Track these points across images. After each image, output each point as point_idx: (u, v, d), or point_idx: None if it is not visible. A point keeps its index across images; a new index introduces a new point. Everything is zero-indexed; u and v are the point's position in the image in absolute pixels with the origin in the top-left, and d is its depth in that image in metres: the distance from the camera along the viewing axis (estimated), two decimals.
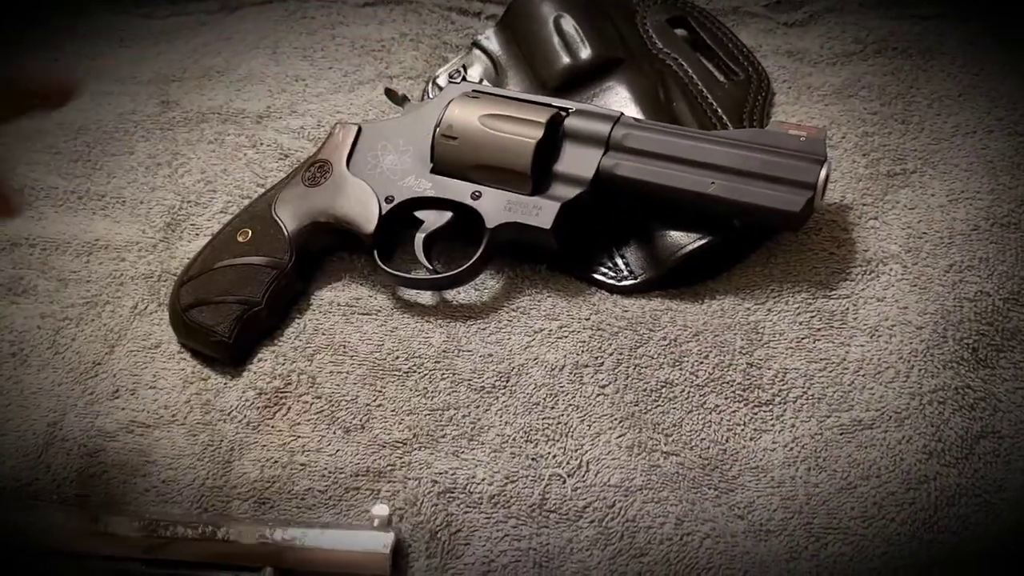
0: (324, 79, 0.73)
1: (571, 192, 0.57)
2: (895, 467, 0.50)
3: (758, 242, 0.59)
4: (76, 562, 0.49)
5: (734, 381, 0.54)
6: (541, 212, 0.56)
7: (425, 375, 0.56)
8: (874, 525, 0.48)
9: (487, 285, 0.60)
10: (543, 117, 0.57)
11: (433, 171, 0.59)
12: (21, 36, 0.82)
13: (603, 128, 0.57)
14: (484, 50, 0.69)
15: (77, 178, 0.69)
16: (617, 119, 0.58)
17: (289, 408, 0.56)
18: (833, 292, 0.57)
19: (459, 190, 0.58)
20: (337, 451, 0.54)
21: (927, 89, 0.66)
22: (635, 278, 0.59)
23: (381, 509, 0.50)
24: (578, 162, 0.57)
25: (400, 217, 0.59)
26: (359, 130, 0.62)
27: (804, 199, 0.53)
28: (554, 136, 0.58)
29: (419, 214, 0.59)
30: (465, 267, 0.57)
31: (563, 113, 0.58)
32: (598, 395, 0.54)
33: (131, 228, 0.65)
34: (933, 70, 0.67)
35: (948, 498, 0.49)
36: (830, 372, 0.54)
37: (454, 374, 0.56)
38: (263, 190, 0.65)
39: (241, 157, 0.68)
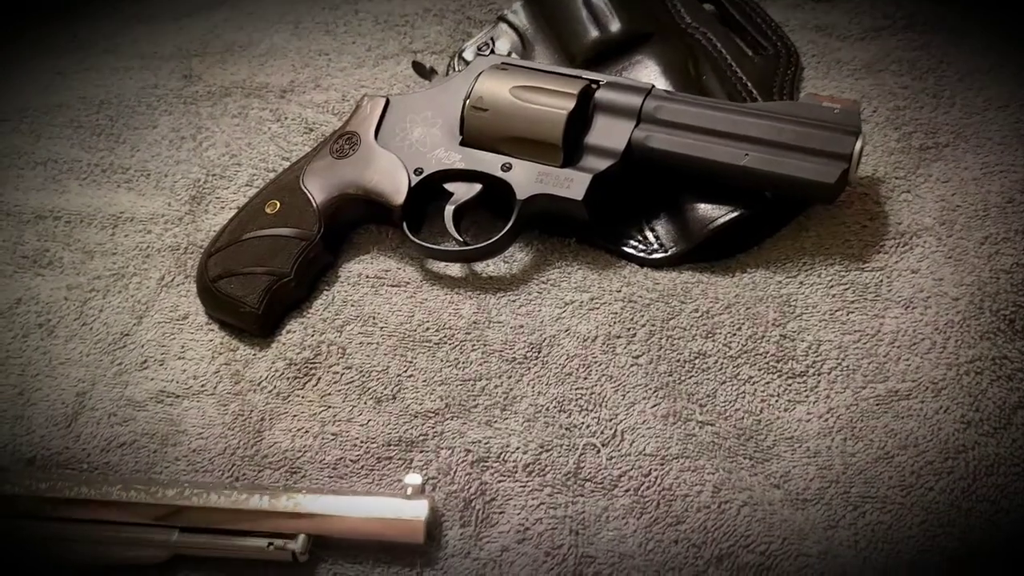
0: (347, 54, 0.73)
1: (602, 164, 0.56)
2: (933, 437, 0.49)
3: (789, 215, 0.59)
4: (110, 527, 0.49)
5: (767, 353, 0.54)
6: (572, 184, 0.56)
7: (456, 346, 0.56)
8: (912, 494, 0.48)
9: (516, 257, 0.60)
10: (575, 88, 0.57)
11: (463, 143, 0.58)
12: (39, 15, 0.82)
13: (635, 100, 0.57)
14: (511, 24, 0.69)
15: (100, 151, 0.68)
16: (649, 91, 0.57)
17: (319, 379, 0.55)
18: (866, 264, 0.56)
19: (489, 162, 0.58)
20: (368, 421, 0.53)
21: (958, 63, 0.66)
22: (665, 251, 0.59)
23: (414, 478, 0.50)
24: (610, 134, 0.57)
25: (429, 189, 0.59)
26: (387, 102, 0.61)
27: (839, 170, 0.53)
28: (585, 108, 0.57)
29: (448, 186, 0.59)
30: (495, 239, 0.57)
31: (594, 85, 0.58)
32: (631, 366, 0.54)
33: (156, 201, 0.65)
34: (963, 45, 0.67)
35: (986, 468, 0.48)
36: (864, 344, 0.53)
37: (485, 345, 0.56)
38: (288, 164, 0.65)
39: (265, 131, 0.68)
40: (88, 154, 0.68)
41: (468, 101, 0.58)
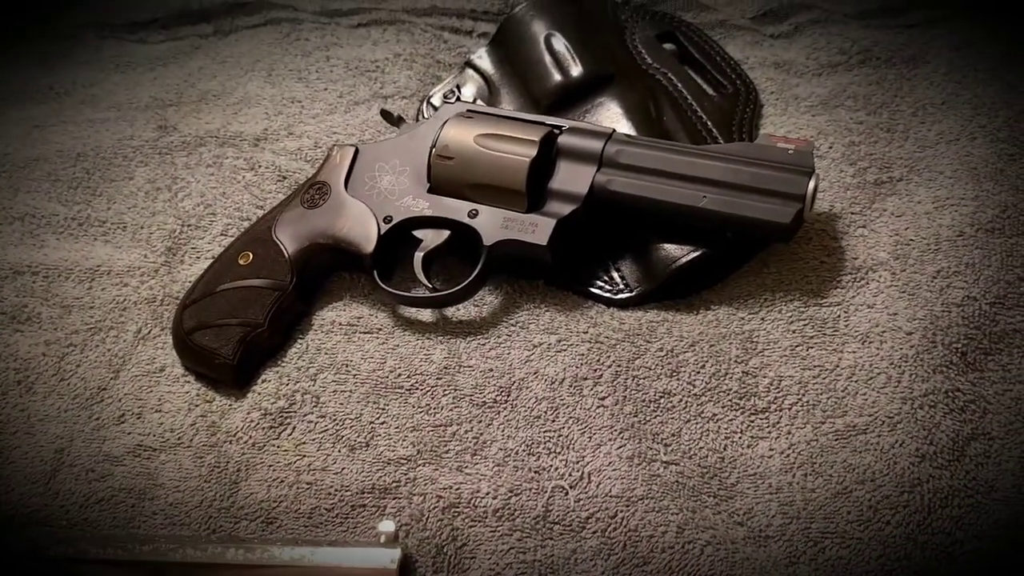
0: (320, 100, 0.74)
1: (566, 208, 0.58)
2: (889, 471, 0.51)
3: (751, 253, 0.60)
4: None
5: (730, 390, 0.55)
6: (537, 229, 0.57)
7: (427, 391, 0.57)
8: (870, 528, 0.49)
9: (486, 301, 0.61)
10: (537, 136, 0.58)
11: (430, 191, 0.60)
12: (17, 65, 0.83)
13: (596, 145, 0.58)
14: (477, 69, 0.71)
15: (77, 204, 0.70)
16: (609, 136, 0.59)
17: (294, 428, 0.57)
18: (824, 300, 0.58)
19: (456, 209, 0.59)
20: (343, 469, 0.55)
21: (911, 98, 0.67)
22: (631, 291, 0.60)
23: (387, 525, 0.51)
24: (572, 179, 0.58)
25: (399, 236, 0.60)
26: (356, 151, 0.63)
27: (794, 211, 0.54)
28: (548, 154, 0.59)
29: (417, 233, 0.60)
30: (464, 284, 0.58)
31: (556, 131, 0.60)
32: (598, 407, 0.55)
33: (132, 253, 0.66)
34: (916, 79, 0.69)
35: (941, 500, 0.50)
36: (824, 379, 0.55)
37: (456, 390, 0.57)
38: (262, 212, 0.66)
39: (240, 180, 0.69)
40: (65, 208, 0.69)
41: (434, 150, 0.60)
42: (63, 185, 0.71)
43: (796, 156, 0.56)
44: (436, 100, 0.71)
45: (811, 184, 0.55)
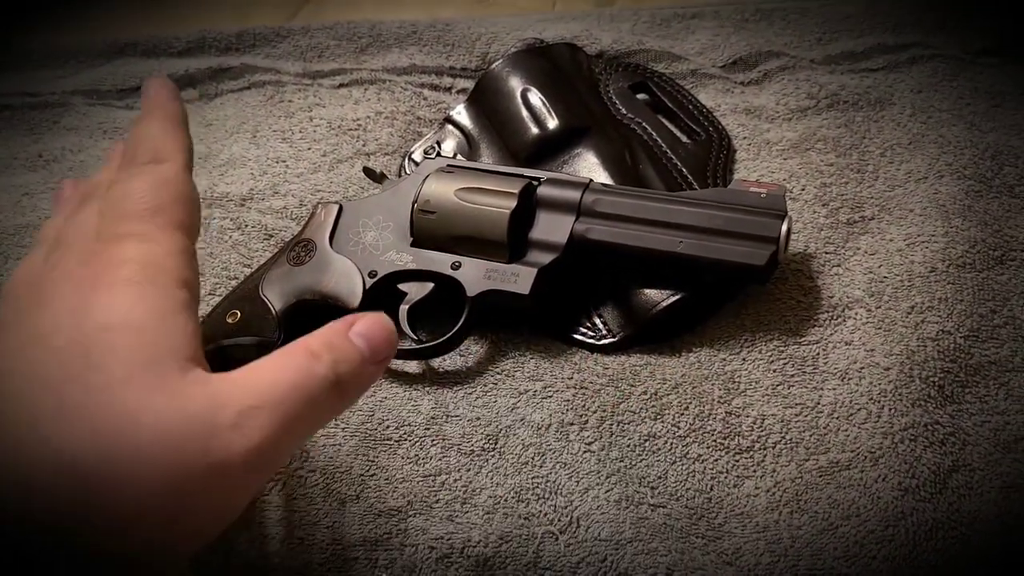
0: (304, 159, 0.76)
1: (547, 258, 0.59)
2: (873, 505, 0.52)
3: (729, 295, 0.62)
4: None
5: (714, 430, 0.56)
6: (519, 279, 0.59)
7: (415, 442, 0.58)
8: (857, 564, 0.50)
9: (471, 350, 0.62)
10: (516, 188, 0.60)
11: (413, 244, 0.61)
12: (5, 133, 0.85)
13: (574, 195, 0.60)
14: (456, 125, 0.72)
15: None
16: (586, 186, 0.60)
17: (284, 483, 0.57)
18: (803, 338, 0.59)
19: (439, 261, 0.60)
20: (334, 523, 0.55)
21: (879, 139, 0.70)
22: (614, 336, 0.61)
23: None
24: (552, 228, 0.60)
25: (384, 290, 0.61)
26: (340, 209, 0.64)
27: (768, 253, 0.56)
28: (528, 205, 0.60)
29: (402, 286, 0.62)
30: (449, 336, 0.59)
31: (535, 183, 0.61)
32: (584, 452, 0.56)
33: None
34: (883, 121, 0.71)
35: (926, 532, 0.50)
36: (805, 416, 0.56)
37: (444, 439, 0.58)
38: (249, 270, 0.67)
39: (227, 239, 0.70)
40: None
41: (416, 204, 0.61)
42: None
43: (769, 200, 0.58)
44: (417, 156, 0.73)
45: (784, 227, 0.57)
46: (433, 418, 0.58)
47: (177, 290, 0.39)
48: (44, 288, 0.40)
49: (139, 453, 0.35)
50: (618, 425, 0.57)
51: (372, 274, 0.61)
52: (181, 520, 0.36)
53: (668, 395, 0.58)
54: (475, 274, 0.59)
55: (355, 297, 0.61)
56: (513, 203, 0.59)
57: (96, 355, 0.36)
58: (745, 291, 0.62)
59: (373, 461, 0.57)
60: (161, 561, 0.37)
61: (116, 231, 0.40)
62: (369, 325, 0.41)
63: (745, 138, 0.72)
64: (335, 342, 0.40)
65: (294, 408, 0.37)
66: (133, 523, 0.35)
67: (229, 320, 0.61)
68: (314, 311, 0.62)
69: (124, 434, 0.35)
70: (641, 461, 0.55)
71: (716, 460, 0.55)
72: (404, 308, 0.61)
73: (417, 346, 0.60)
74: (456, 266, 0.60)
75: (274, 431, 0.37)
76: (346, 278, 0.62)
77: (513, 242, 0.59)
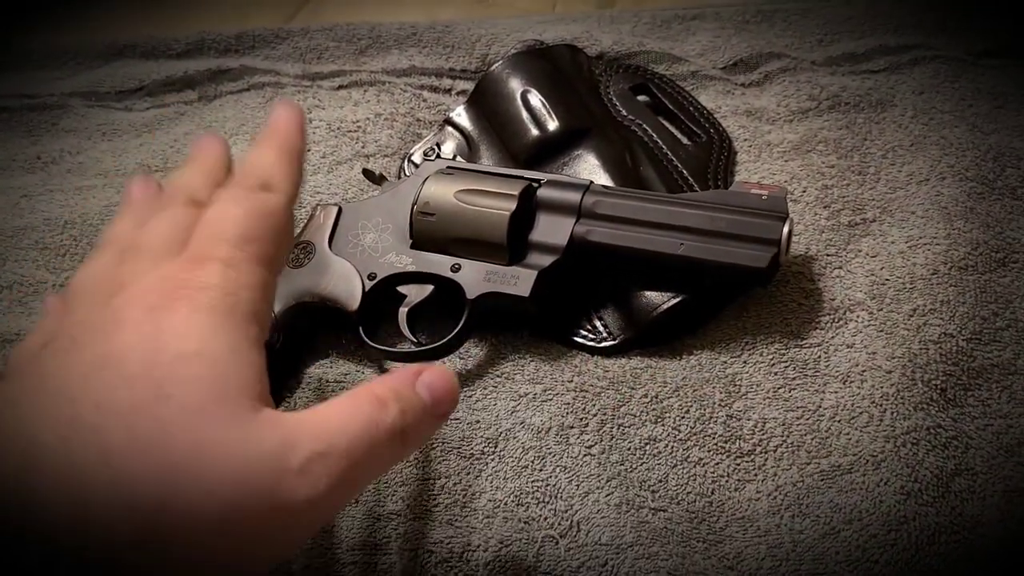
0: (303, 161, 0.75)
1: (547, 260, 0.59)
2: (875, 509, 0.51)
3: (731, 297, 0.61)
4: None
5: (715, 433, 0.56)
6: (519, 281, 0.58)
7: None
8: (859, 569, 0.50)
9: (471, 353, 0.62)
10: (516, 190, 0.60)
11: (413, 247, 0.61)
12: (3, 135, 0.84)
13: (574, 197, 0.60)
14: (456, 126, 0.72)
15: (65, 272, 0.70)
16: (587, 188, 0.60)
17: None
18: (805, 341, 0.59)
19: (439, 264, 0.60)
20: (333, 527, 0.55)
21: (880, 141, 0.69)
22: (614, 339, 0.61)
23: None
24: (552, 230, 0.60)
25: (383, 292, 0.61)
26: (339, 211, 0.64)
27: (769, 255, 0.55)
28: (528, 207, 0.60)
29: (401, 289, 0.61)
30: (449, 338, 0.59)
31: (535, 185, 0.61)
32: (585, 455, 0.55)
33: None
34: (885, 122, 0.71)
35: (928, 537, 0.50)
36: (807, 420, 0.56)
37: (443, 442, 0.57)
38: None
39: None
40: (53, 275, 0.70)
41: (416, 206, 0.61)
42: (51, 253, 0.71)
43: (770, 202, 0.58)
44: (417, 158, 0.72)
45: (785, 228, 0.56)
46: None
47: (251, 325, 0.38)
48: (116, 304, 0.39)
49: (208, 490, 0.34)
50: (619, 428, 0.56)
51: (371, 276, 0.61)
52: (241, 557, 0.36)
53: (669, 398, 0.57)
54: (475, 276, 0.59)
55: (354, 300, 0.60)
56: (513, 205, 0.59)
57: (169, 385, 0.36)
58: (746, 293, 0.62)
59: None
60: None
61: (204, 252, 0.39)
62: (435, 376, 0.41)
63: (746, 140, 0.71)
64: (403, 392, 0.40)
65: (360, 456, 0.37)
66: (196, 559, 0.35)
67: None
68: (313, 313, 0.62)
69: (194, 470, 0.34)
70: (642, 465, 0.55)
71: (717, 464, 0.55)
72: (403, 311, 0.60)
73: (416, 349, 0.60)
74: (456, 268, 0.60)
75: (339, 478, 0.36)
76: (345, 280, 0.61)
77: (513, 244, 0.59)
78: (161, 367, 0.36)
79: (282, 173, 0.44)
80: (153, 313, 0.38)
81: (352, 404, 0.39)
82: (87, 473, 0.34)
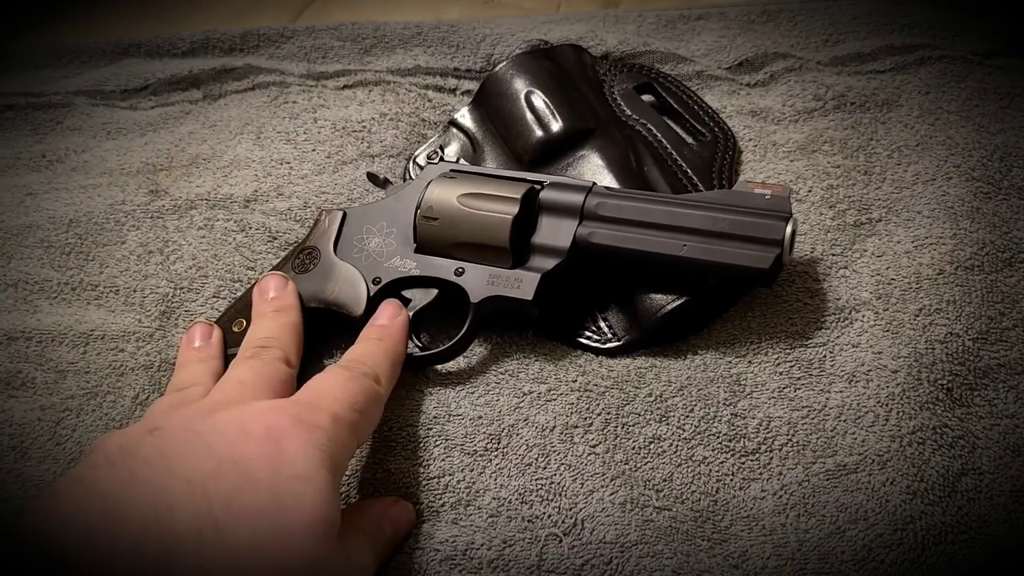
0: (308, 161, 0.76)
1: (550, 263, 0.59)
2: (881, 509, 0.51)
3: (735, 297, 0.61)
4: None
5: (720, 432, 0.56)
6: (522, 284, 0.58)
7: (419, 443, 0.57)
8: (865, 568, 0.49)
9: (475, 351, 0.62)
10: (518, 193, 0.59)
11: (417, 251, 0.61)
12: (9, 133, 0.85)
13: (576, 199, 0.60)
14: (460, 128, 0.72)
15: (70, 270, 0.70)
16: (589, 190, 0.60)
17: None
18: (810, 341, 0.59)
19: (443, 268, 0.60)
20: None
21: (886, 141, 0.69)
22: (619, 340, 0.61)
23: None
24: (555, 233, 0.59)
25: (388, 297, 0.61)
26: (344, 215, 0.64)
27: (772, 256, 0.55)
28: (531, 210, 0.60)
29: (406, 293, 0.61)
30: (453, 342, 0.59)
31: (538, 187, 0.61)
32: (589, 454, 0.55)
33: (126, 317, 0.67)
34: (891, 122, 0.71)
35: (934, 537, 0.50)
36: (812, 419, 0.55)
37: (447, 440, 0.57)
38: (253, 273, 0.67)
39: (231, 241, 0.70)
40: (58, 273, 0.70)
41: (419, 211, 0.61)
42: (56, 251, 0.72)
43: (773, 202, 0.57)
44: (421, 160, 0.72)
45: (788, 229, 0.56)
46: (435, 418, 0.58)
47: (338, 475, 0.47)
48: (238, 414, 0.47)
49: None
50: (623, 427, 0.56)
51: (376, 281, 0.61)
52: None
53: (673, 397, 0.57)
54: (478, 280, 0.59)
55: (360, 305, 0.60)
56: (515, 208, 0.59)
57: (287, 498, 0.43)
58: (751, 293, 0.61)
59: (379, 463, 0.57)
60: None
61: (319, 403, 0.48)
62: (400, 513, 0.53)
63: (751, 140, 0.71)
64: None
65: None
66: None
67: (235, 329, 0.61)
68: (319, 319, 0.62)
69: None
70: (646, 463, 0.55)
71: (722, 463, 0.55)
72: (408, 315, 0.60)
73: (421, 353, 0.60)
74: (459, 272, 0.60)
75: None
76: (351, 285, 0.61)
77: (516, 247, 0.59)
78: (282, 482, 0.43)
79: (387, 375, 0.54)
80: (273, 433, 0.45)
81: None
82: (218, 572, 0.40)
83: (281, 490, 0.43)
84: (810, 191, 0.66)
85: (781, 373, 0.58)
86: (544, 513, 0.53)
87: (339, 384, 0.50)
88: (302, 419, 0.46)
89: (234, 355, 0.57)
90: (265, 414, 0.47)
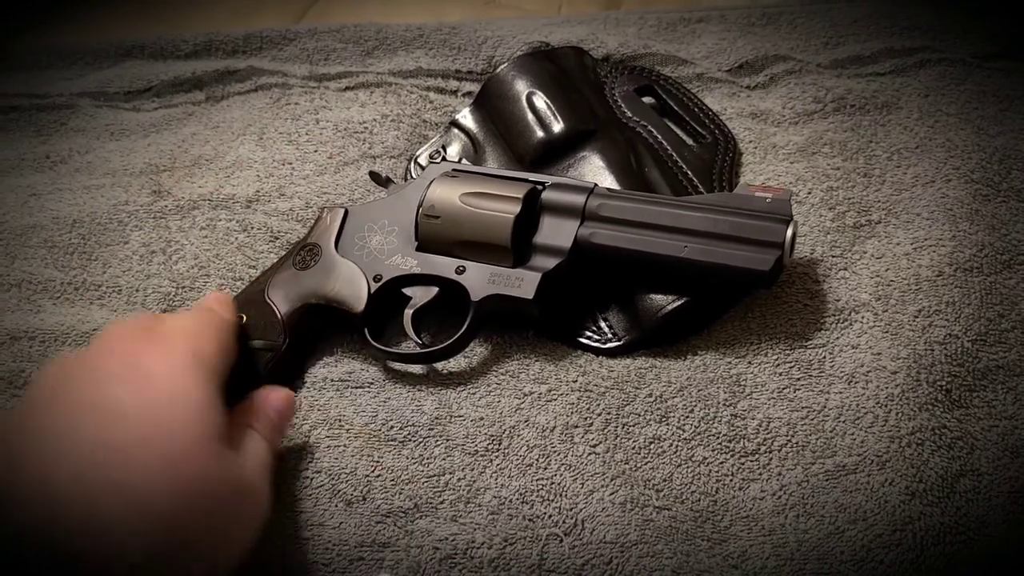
0: (310, 162, 0.76)
1: (551, 262, 0.59)
2: (880, 510, 0.51)
3: (735, 298, 0.61)
4: None
5: (720, 433, 0.56)
6: (523, 283, 0.58)
7: (420, 443, 0.57)
8: (864, 568, 0.50)
9: (476, 352, 0.62)
10: (520, 193, 0.60)
11: (418, 249, 0.61)
12: (13, 134, 0.85)
13: (578, 200, 0.60)
14: (462, 128, 0.73)
15: (73, 270, 0.71)
16: (591, 190, 0.60)
17: (290, 484, 0.57)
18: (809, 342, 0.59)
19: (444, 266, 0.60)
20: (340, 524, 0.55)
21: (886, 143, 0.69)
22: (619, 340, 0.61)
23: None
24: (556, 233, 0.60)
25: (389, 294, 0.61)
26: (346, 213, 0.64)
27: (773, 258, 0.56)
28: (532, 209, 0.60)
29: (407, 291, 0.61)
30: (453, 340, 0.59)
31: (539, 187, 0.61)
32: (589, 454, 0.56)
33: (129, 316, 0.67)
34: (890, 124, 0.71)
35: (933, 537, 0.50)
36: (812, 420, 0.56)
37: (448, 440, 0.57)
38: (255, 272, 0.67)
39: (232, 241, 0.70)
40: (61, 273, 0.70)
41: (421, 209, 0.61)
42: (59, 251, 0.72)
43: (774, 204, 0.58)
44: (423, 160, 0.73)
45: (789, 231, 0.56)
46: (437, 418, 0.58)
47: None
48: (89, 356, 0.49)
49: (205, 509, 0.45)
50: (623, 428, 0.56)
51: (377, 278, 0.61)
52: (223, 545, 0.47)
53: (673, 398, 0.57)
54: (479, 278, 0.59)
55: (360, 302, 0.61)
56: (517, 208, 0.59)
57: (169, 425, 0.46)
58: (751, 294, 0.62)
59: (378, 462, 0.57)
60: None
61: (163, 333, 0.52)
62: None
63: (751, 142, 0.72)
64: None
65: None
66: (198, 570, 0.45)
67: None
68: (319, 315, 0.62)
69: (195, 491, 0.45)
70: (646, 464, 0.55)
71: (721, 463, 0.55)
72: (409, 312, 0.61)
73: (421, 350, 0.60)
74: (460, 270, 0.60)
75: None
76: (351, 282, 0.62)
77: (517, 247, 0.59)
78: (150, 409, 0.46)
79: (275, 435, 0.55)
80: (130, 359, 0.48)
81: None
82: (130, 493, 0.43)
83: (152, 418, 0.45)
84: (810, 193, 0.67)
85: (781, 374, 0.58)
86: (545, 513, 0.54)
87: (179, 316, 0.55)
88: (152, 338, 0.50)
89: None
90: (121, 340, 0.50)
